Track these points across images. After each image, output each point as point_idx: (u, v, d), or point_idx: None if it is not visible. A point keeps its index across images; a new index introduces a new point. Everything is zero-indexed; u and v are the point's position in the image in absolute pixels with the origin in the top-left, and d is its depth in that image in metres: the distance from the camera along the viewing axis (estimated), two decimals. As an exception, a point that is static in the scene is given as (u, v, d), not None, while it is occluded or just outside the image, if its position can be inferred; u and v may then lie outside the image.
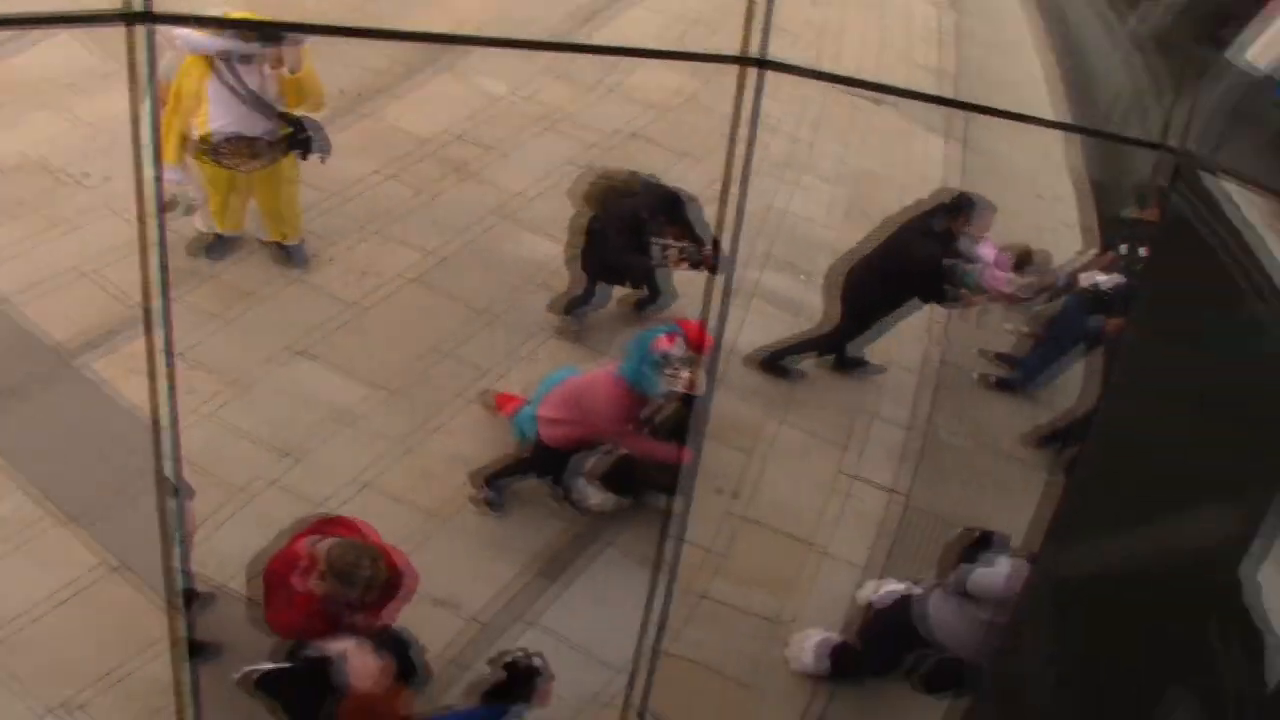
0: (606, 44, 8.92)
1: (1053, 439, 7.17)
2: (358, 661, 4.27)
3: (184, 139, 6.58)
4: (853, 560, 6.45)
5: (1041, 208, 9.62)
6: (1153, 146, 3.69)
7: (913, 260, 6.88)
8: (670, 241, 6.69)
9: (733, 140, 3.06)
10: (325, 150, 6.85)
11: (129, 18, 2.71)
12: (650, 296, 7.24)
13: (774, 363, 7.33)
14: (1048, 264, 7.30)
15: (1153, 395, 5.16)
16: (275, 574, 4.79)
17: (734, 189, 3.51)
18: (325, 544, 4.65)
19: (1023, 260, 7.11)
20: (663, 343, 5.70)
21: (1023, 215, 9.40)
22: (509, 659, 4.63)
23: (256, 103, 6.51)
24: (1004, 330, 8.00)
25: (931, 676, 5.63)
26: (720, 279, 6.47)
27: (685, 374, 5.68)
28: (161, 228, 3.78)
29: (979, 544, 5.47)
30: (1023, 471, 7.10)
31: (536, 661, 4.64)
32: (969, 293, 6.99)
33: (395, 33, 7.55)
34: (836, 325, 7.24)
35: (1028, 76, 11.51)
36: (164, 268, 4.00)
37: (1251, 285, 4.59)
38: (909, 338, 7.78)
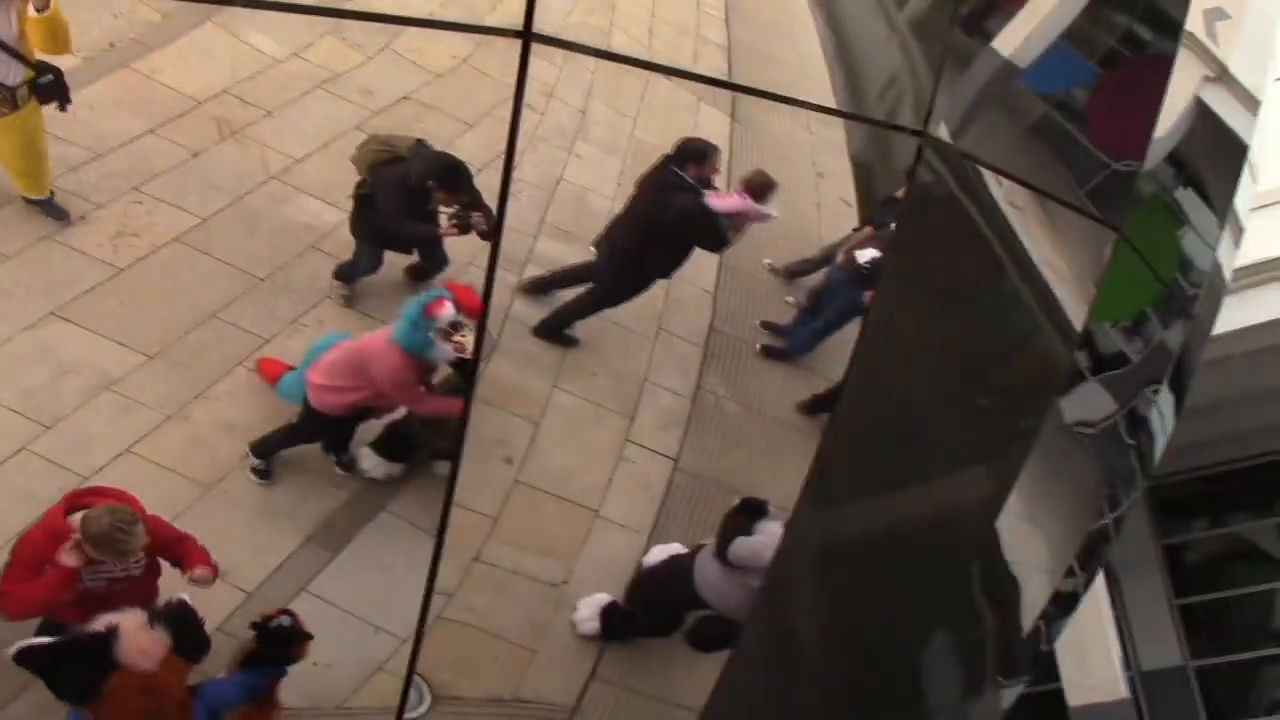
0: (374, 11, 8.76)
1: (821, 404, 7.47)
2: (133, 637, 4.13)
3: None
4: (630, 525, 6.59)
5: (821, 185, 9.97)
6: (897, 129, 3.94)
7: (684, 213, 7.06)
8: (442, 209, 6.66)
9: (515, 114, 3.10)
10: (68, 99, 6.53)
11: None
12: (428, 264, 7.17)
13: (556, 329, 7.40)
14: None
15: (901, 362, 5.48)
16: (30, 545, 4.56)
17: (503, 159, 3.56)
18: (80, 513, 4.46)
19: (761, 186, 7.40)
20: (435, 308, 5.70)
21: (802, 192, 9.74)
22: (256, 621, 4.56)
23: (1, 46, 6.13)
24: (785, 302, 8.31)
25: (697, 635, 5.85)
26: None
27: (459, 338, 5.69)
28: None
29: (746, 512, 5.68)
30: (795, 438, 7.38)
31: (285, 621, 4.58)
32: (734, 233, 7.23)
33: None
34: (609, 288, 7.34)
35: (806, 55, 11.88)
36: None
37: (991, 259, 4.95)
38: (689, 307, 7.98)
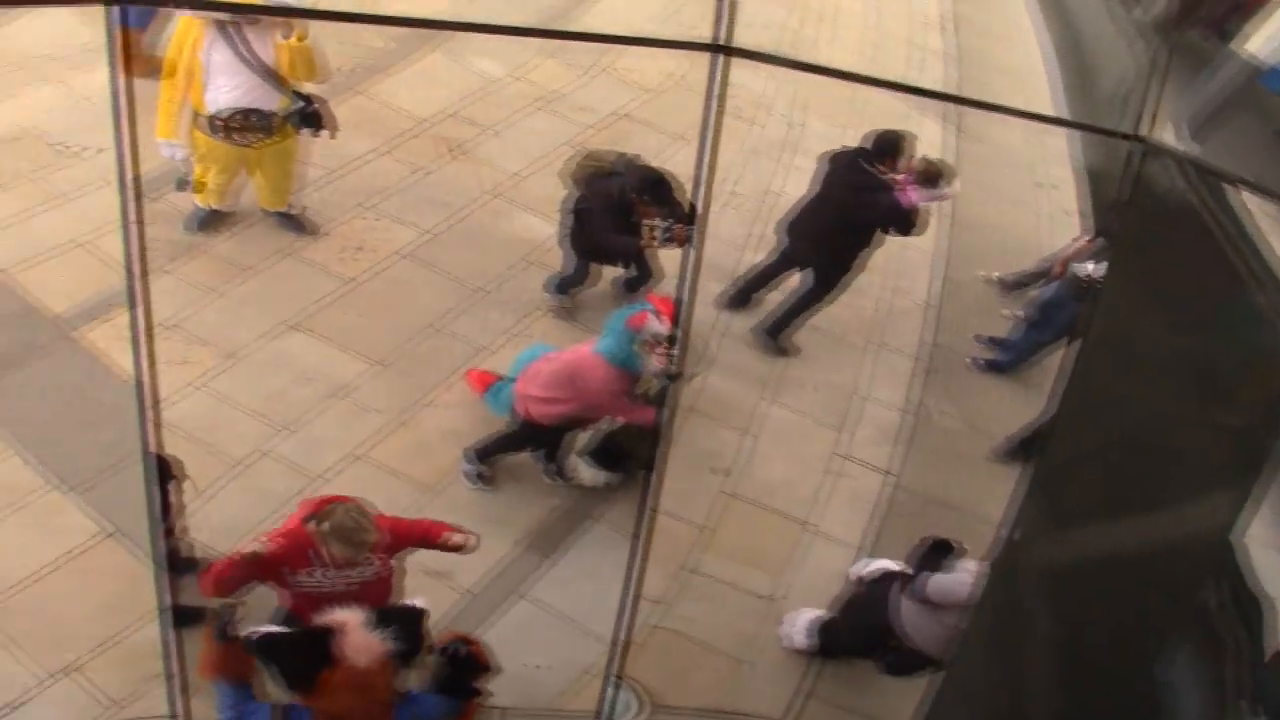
0: (580, 30, 8.98)
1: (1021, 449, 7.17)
2: (355, 635, 4.31)
3: (179, 110, 6.52)
4: (844, 540, 6.51)
5: (1041, 195, 9.69)
6: (1123, 137, 3.75)
7: (889, 212, 7.01)
8: (650, 221, 6.74)
9: (705, 125, 3.13)
10: (334, 127, 6.86)
11: None
12: (639, 276, 7.28)
13: (775, 335, 7.45)
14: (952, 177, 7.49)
15: (1127, 377, 5.22)
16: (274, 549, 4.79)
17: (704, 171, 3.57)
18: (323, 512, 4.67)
19: (932, 175, 7.28)
20: (638, 320, 5.75)
21: (1022, 202, 9.48)
22: (449, 649, 4.65)
23: (266, 74, 6.47)
24: (1001, 315, 8.11)
25: (895, 665, 5.73)
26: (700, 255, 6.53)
27: (663, 350, 5.74)
28: (138, 202, 3.81)
29: (939, 550, 5.53)
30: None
31: (461, 649, 4.66)
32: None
33: (379, 17, 7.62)
34: (817, 288, 7.37)
35: (1027, 64, 11.57)
36: (140, 243, 4.03)
37: (1228, 270, 4.66)
38: (903, 320, 7.86)
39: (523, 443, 6.23)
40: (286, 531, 4.75)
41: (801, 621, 5.97)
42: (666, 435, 5.18)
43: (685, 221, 6.65)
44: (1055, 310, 7.55)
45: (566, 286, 7.17)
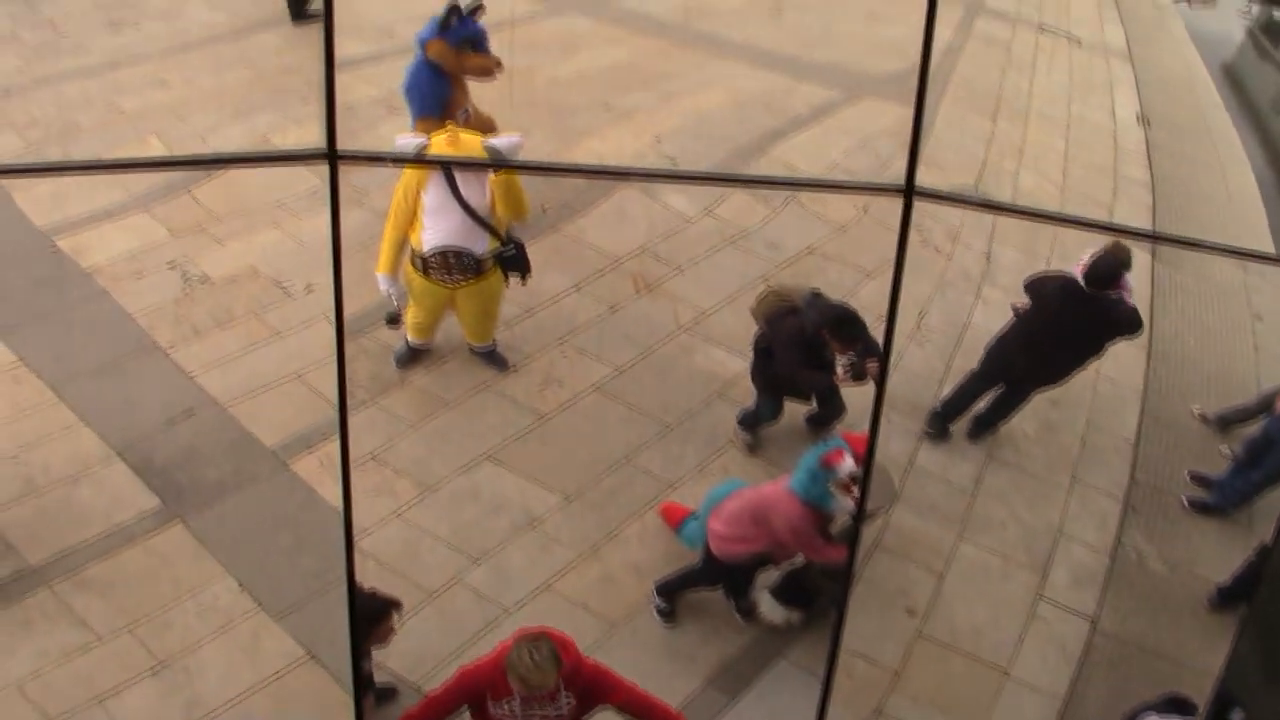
0: (766, 175, 9.13)
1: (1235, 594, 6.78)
2: None
3: (399, 249, 6.88)
4: (1043, 688, 6.23)
5: (1259, 328, 9.28)
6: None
7: (1113, 319, 7.14)
8: (836, 357, 6.73)
9: (898, 267, 3.15)
10: (528, 271, 7.10)
11: (327, 156, 3.00)
12: (829, 412, 7.24)
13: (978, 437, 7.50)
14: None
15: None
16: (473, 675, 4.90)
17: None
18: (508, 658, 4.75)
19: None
20: (833, 459, 5.71)
21: (1238, 335, 9.10)
22: None
23: (474, 216, 6.75)
24: (1218, 452, 7.76)
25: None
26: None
27: (857, 490, 5.66)
28: (340, 339, 4.03)
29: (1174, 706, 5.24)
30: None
31: None
32: None
33: (576, 168, 7.99)
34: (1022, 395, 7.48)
35: (1239, 189, 11.22)
36: (342, 377, 4.24)
37: None
38: (1105, 458, 7.58)
39: (712, 579, 6.21)
40: (495, 657, 4.84)
41: None
42: (853, 571, 5.10)
43: (876, 357, 6.62)
44: (1266, 449, 7.18)
45: (756, 422, 7.18)
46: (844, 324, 6.65)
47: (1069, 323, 7.09)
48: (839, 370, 6.69)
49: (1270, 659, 5.25)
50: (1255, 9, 13.83)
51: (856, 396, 7.04)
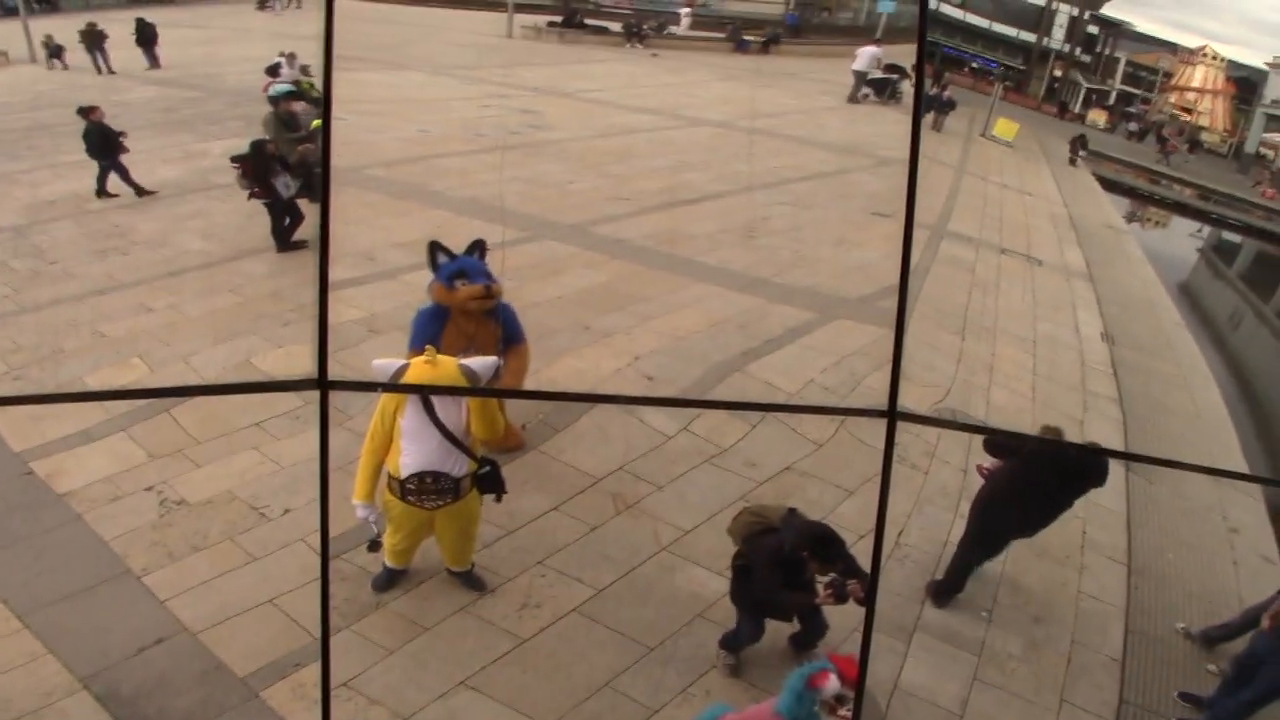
0: (750, 401, 9.30)
1: None
2: None
3: (376, 474, 6.88)
4: None
5: (1236, 541, 9.30)
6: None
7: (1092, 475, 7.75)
8: (816, 577, 6.70)
9: (884, 488, 3.19)
10: (503, 490, 7.14)
11: (318, 384, 3.06)
12: (808, 632, 7.15)
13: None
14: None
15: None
16: None
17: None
18: None
19: None
20: (819, 680, 5.63)
21: (1214, 549, 9.10)
22: None
23: (451, 438, 6.79)
24: (1206, 670, 7.66)
25: None
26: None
27: (845, 711, 5.57)
28: (325, 565, 4.03)
29: None
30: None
31: None
32: None
33: (544, 394, 8.17)
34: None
35: (1205, 404, 11.42)
36: (325, 605, 4.21)
37: None
38: (1091, 676, 7.46)
39: None
40: None
41: None
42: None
43: (858, 576, 6.59)
44: (1255, 666, 7.09)
45: (738, 644, 7.07)
46: (823, 543, 6.64)
47: (1052, 482, 7.64)
48: (820, 590, 6.66)
49: None
50: (1206, 230, 14.40)
51: (841, 616, 6.97)
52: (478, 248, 7.91)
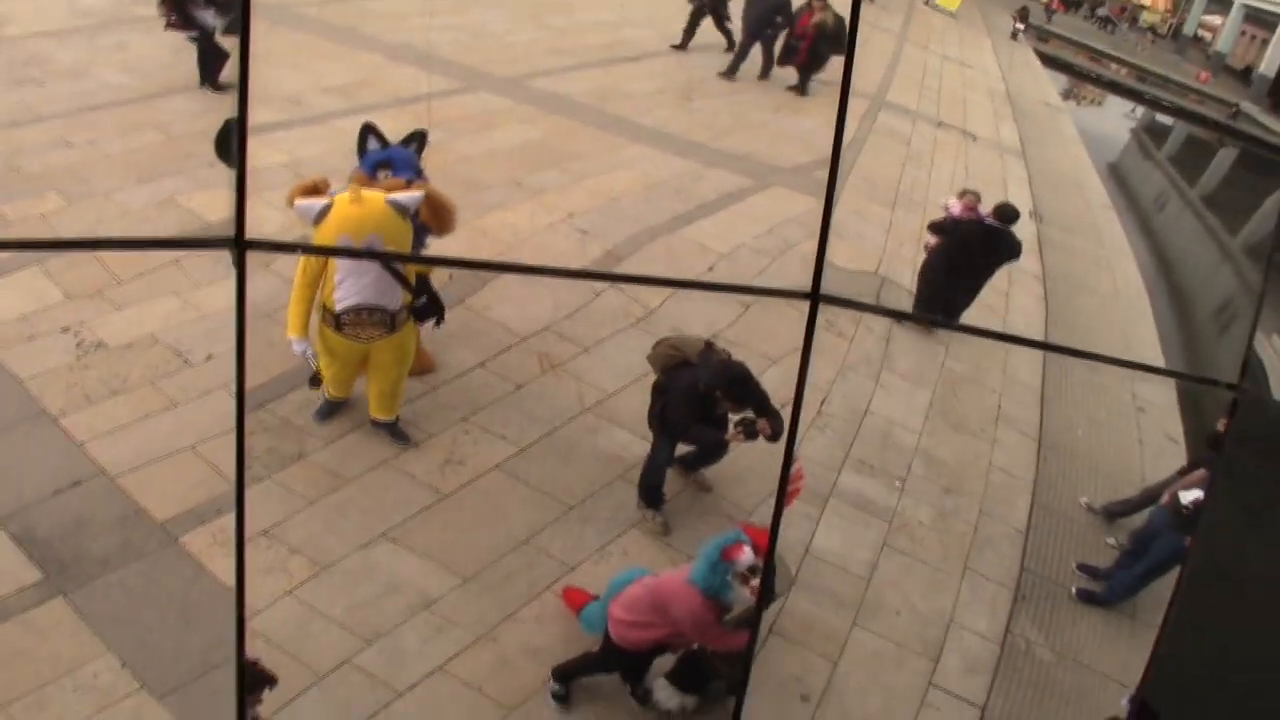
0: (674, 277, 9.29)
1: None
2: None
3: (309, 309, 6.86)
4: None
5: (1143, 420, 9.56)
6: (1227, 387, 3.78)
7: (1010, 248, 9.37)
8: (734, 414, 6.79)
9: (803, 366, 3.21)
10: (442, 316, 7.32)
11: (235, 244, 2.99)
12: (703, 457, 7.36)
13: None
14: None
15: (1235, 610, 5.11)
16: None
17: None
18: None
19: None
20: (733, 552, 5.73)
21: (1121, 427, 9.35)
22: None
23: (390, 270, 6.78)
24: (1105, 544, 7.93)
25: None
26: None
27: (756, 582, 5.70)
28: (240, 413, 4.00)
29: None
30: (1114, 690, 6.89)
31: None
32: None
33: (457, 260, 8.09)
34: None
35: (1120, 284, 11.60)
36: (241, 453, 4.20)
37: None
38: (996, 547, 7.71)
39: (611, 665, 6.17)
40: None
41: None
42: (751, 661, 5.11)
43: (769, 416, 6.71)
44: (1151, 540, 7.37)
45: (655, 476, 7.19)
46: (737, 383, 6.73)
47: (978, 253, 9.17)
48: (730, 428, 6.77)
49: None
50: (1139, 110, 14.46)
51: (758, 482, 7.12)
52: (417, 139, 7.66)
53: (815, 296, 3.05)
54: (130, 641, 6.02)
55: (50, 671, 5.85)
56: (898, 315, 9.25)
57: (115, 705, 5.74)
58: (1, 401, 7.20)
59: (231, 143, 6.63)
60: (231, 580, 6.29)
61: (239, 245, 2.93)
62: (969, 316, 9.41)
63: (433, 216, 6.90)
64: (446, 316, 8.07)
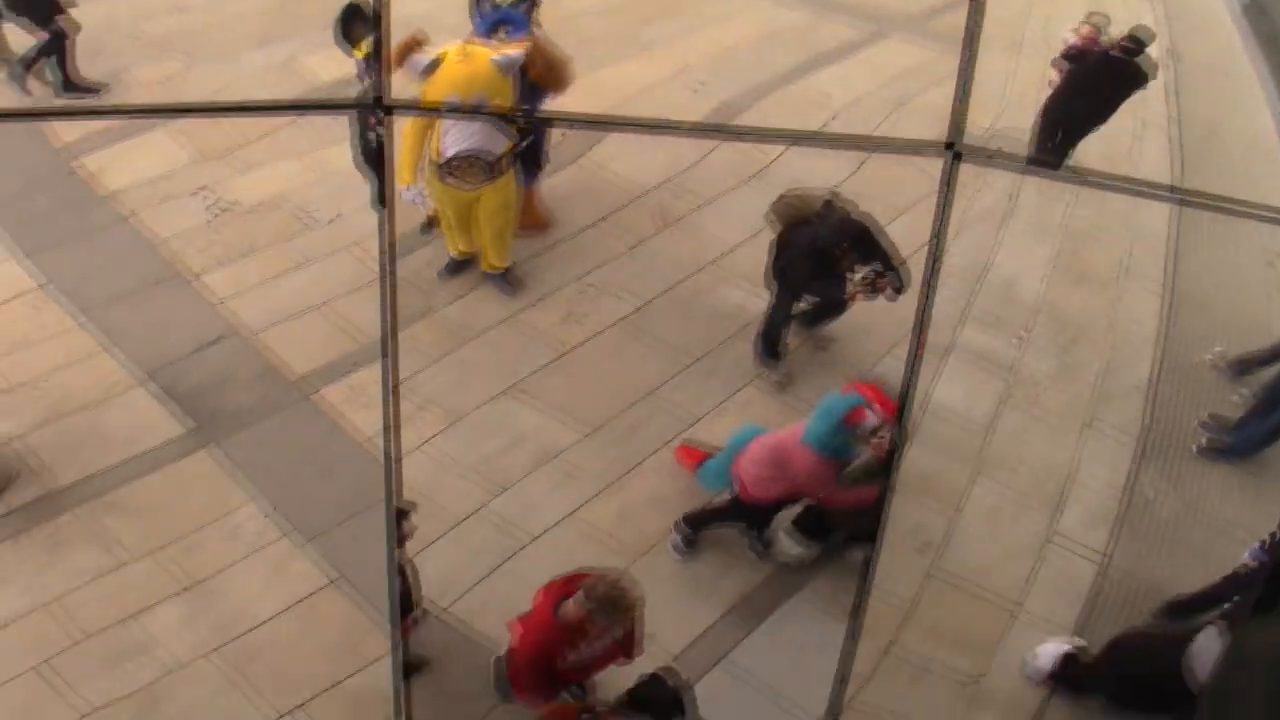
0: (803, 130, 9.08)
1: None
2: None
3: (417, 158, 6.97)
4: (1053, 624, 6.32)
5: (1273, 274, 9.26)
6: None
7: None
8: (852, 269, 6.71)
9: (942, 222, 3.15)
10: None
11: (377, 107, 3.03)
12: (823, 313, 7.37)
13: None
14: None
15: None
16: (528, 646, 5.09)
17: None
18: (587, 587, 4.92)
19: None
20: (854, 416, 5.69)
21: (1251, 281, 9.06)
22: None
23: (494, 119, 6.89)
24: (1231, 399, 7.76)
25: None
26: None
27: (879, 440, 5.67)
28: (393, 274, 4.10)
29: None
30: (1229, 541, 6.82)
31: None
32: None
33: (575, 116, 8.03)
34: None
35: (1256, 130, 11.14)
36: (393, 311, 4.30)
37: None
38: (1120, 401, 7.61)
39: (739, 517, 6.27)
40: (540, 626, 4.98)
41: (1052, 651, 5.94)
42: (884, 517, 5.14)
43: (893, 274, 6.62)
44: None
45: (773, 332, 7.20)
46: (859, 239, 6.63)
47: (1101, 85, 8.90)
48: (851, 286, 6.71)
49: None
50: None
51: (878, 337, 7.08)
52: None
53: (955, 148, 2.98)
54: (274, 490, 6.32)
55: (201, 518, 6.19)
56: (1039, 165, 8.95)
57: (263, 550, 6.05)
58: (142, 263, 7.48)
59: (353, 25, 6.71)
60: (367, 432, 6.58)
61: (382, 108, 2.98)
62: (1097, 162, 9.03)
63: (545, 73, 6.89)
64: (561, 174, 8.11)
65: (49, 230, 7.67)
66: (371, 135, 6.34)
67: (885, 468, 5.58)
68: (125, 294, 7.29)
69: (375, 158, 5.96)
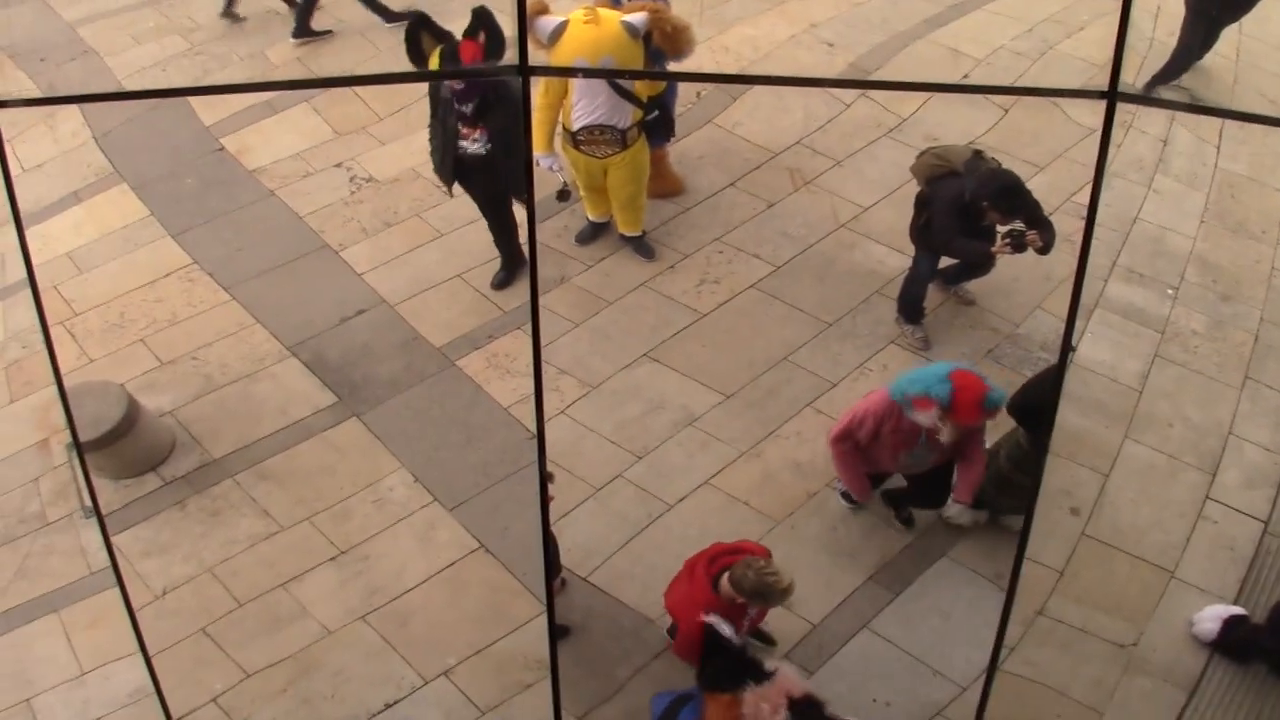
0: (951, 83, 8.83)
1: None
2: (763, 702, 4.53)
3: (551, 128, 7.07)
4: (1211, 589, 6.11)
5: None
6: None
7: None
8: (1001, 226, 6.54)
9: (1099, 173, 3.03)
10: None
11: (518, 70, 3.04)
12: (965, 270, 7.18)
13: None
14: None
15: None
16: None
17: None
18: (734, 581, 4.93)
19: None
20: (922, 404, 5.51)
21: None
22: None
23: (619, 91, 6.89)
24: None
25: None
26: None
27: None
28: (533, 245, 4.14)
29: None
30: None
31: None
32: None
33: (701, 75, 7.95)
34: None
35: None
36: (534, 281, 4.34)
37: None
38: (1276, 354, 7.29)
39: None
40: (704, 604, 5.01)
41: (1217, 613, 5.85)
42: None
43: (1040, 227, 6.43)
44: None
45: (916, 290, 7.07)
46: (1006, 194, 6.44)
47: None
48: (998, 241, 6.54)
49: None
50: None
51: (1022, 294, 6.90)
52: None
53: (1113, 95, 2.86)
54: (420, 458, 6.47)
55: (351, 485, 6.37)
56: (1203, 110, 8.57)
57: (411, 516, 6.21)
58: (287, 236, 7.68)
59: (419, 41, 6.75)
60: (507, 400, 6.68)
61: (523, 72, 2.99)
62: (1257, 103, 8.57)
63: (666, 40, 6.83)
64: (694, 136, 8.04)
65: (198, 208, 7.92)
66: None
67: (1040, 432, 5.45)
68: (272, 268, 7.50)
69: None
